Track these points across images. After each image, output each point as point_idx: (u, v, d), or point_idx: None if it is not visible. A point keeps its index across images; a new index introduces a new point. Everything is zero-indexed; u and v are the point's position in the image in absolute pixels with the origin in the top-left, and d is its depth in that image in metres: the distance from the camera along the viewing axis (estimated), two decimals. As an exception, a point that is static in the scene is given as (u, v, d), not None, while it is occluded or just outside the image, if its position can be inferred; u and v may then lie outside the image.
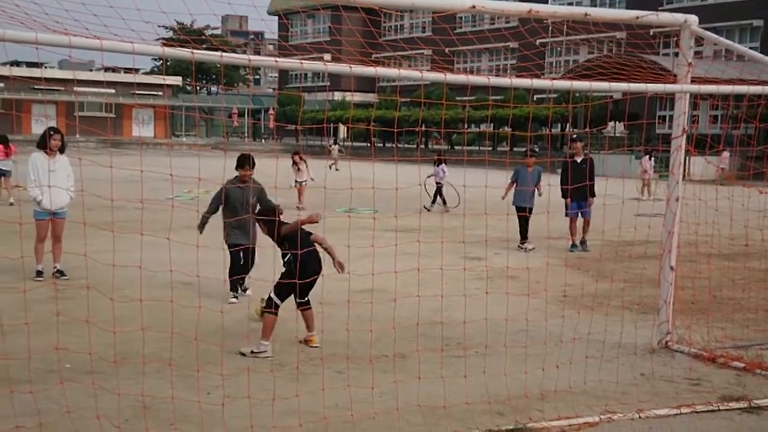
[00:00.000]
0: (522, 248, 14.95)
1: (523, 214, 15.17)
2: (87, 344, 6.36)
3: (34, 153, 11.12)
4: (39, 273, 11.05)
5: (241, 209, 9.94)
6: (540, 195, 15.00)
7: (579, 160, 15.08)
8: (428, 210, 21.19)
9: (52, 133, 11.18)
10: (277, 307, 7.68)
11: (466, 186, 7.68)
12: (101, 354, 6.57)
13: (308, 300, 7.98)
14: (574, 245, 15.18)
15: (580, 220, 15.27)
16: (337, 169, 31.17)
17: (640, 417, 6.28)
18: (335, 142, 48.08)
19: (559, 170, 15.95)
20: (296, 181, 22.18)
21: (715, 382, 7.31)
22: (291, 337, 8.20)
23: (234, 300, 10.02)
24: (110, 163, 5.65)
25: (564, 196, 15.18)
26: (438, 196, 22.31)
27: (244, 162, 10.24)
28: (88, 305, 7.08)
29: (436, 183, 22.24)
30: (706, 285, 10.67)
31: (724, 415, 6.45)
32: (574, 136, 16.07)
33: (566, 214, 15.16)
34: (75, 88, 66.28)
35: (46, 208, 11.03)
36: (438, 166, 22.23)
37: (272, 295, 7.67)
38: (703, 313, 9.62)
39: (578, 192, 14.64)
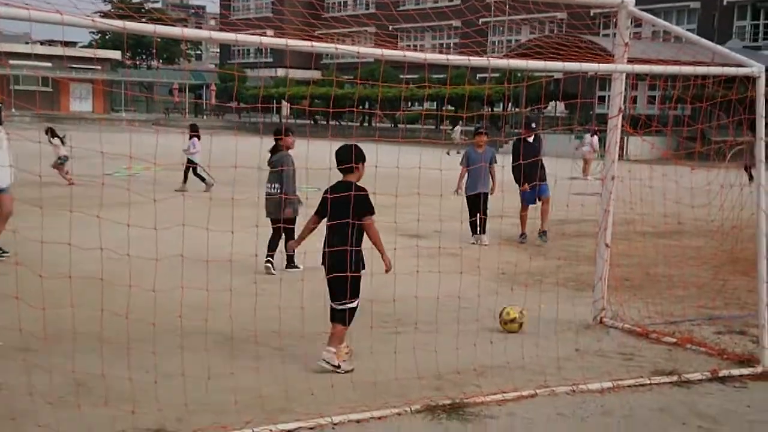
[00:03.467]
0: (477, 243, 13.32)
1: (477, 203, 13.57)
2: (18, 321, 6.22)
3: None
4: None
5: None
6: (493, 182, 13.77)
7: (531, 139, 13.90)
8: (183, 191, 18.12)
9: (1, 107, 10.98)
10: None
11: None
12: (33, 331, 6.43)
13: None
14: (523, 234, 13.96)
15: (532, 207, 14.03)
16: (458, 152, 28.09)
17: (574, 391, 6.38)
18: (457, 124, 44.14)
19: (503, 149, 15.31)
20: (60, 157, 18.28)
21: (647, 357, 7.46)
22: (226, 315, 8.07)
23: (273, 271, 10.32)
24: (39, 139, 5.51)
25: (518, 181, 13.69)
26: (190, 175, 20.43)
27: (288, 129, 11.02)
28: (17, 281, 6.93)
29: (188, 159, 20.48)
30: (640, 262, 10.88)
31: (655, 389, 6.59)
32: (533, 123, 14.58)
33: (525, 201, 13.88)
34: (10, 61, 64.51)
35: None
36: (190, 139, 20.54)
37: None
38: (637, 290, 9.80)
39: (533, 175, 13.07)
